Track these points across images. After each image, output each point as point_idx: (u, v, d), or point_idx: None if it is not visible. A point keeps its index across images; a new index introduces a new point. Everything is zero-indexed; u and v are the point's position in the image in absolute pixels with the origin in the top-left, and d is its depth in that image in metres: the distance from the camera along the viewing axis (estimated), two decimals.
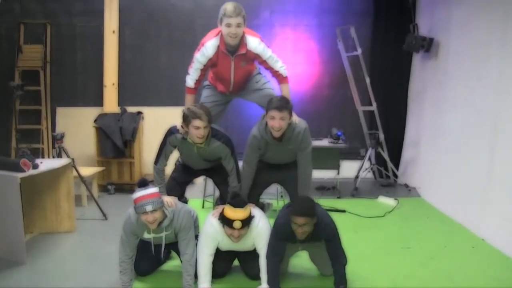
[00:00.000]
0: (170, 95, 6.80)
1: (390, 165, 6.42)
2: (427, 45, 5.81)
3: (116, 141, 5.89)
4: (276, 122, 3.19)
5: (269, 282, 3.07)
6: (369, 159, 6.39)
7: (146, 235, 3.14)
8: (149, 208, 2.88)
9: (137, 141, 6.04)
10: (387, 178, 6.57)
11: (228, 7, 3.41)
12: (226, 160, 3.46)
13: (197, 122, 3.19)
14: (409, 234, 4.43)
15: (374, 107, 6.34)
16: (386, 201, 5.55)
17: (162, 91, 6.90)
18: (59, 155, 4.76)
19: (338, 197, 5.75)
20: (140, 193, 2.93)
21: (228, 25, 3.42)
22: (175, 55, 6.83)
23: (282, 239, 3.07)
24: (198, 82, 3.75)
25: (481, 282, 3.40)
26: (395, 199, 5.54)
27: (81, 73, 6.86)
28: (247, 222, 3.02)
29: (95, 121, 6.04)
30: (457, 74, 5.17)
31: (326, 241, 3.07)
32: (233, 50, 3.58)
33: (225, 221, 3.00)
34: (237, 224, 2.96)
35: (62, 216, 4.37)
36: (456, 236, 4.40)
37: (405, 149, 6.74)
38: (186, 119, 3.23)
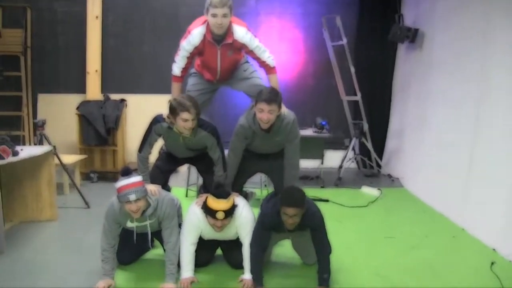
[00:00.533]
0: (154, 82, 6.75)
1: (373, 155, 6.46)
2: (412, 36, 5.83)
3: (99, 129, 5.81)
4: (265, 115, 3.16)
5: (252, 271, 3.06)
6: (353, 149, 6.42)
7: (129, 224, 3.11)
8: (132, 197, 2.85)
9: (120, 129, 5.98)
10: (371, 168, 6.61)
11: None
12: (212, 150, 3.42)
13: (185, 115, 3.12)
14: (392, 224, 4.48)
15: (358, 97, 6.36)
16: (370, 191, 5.58)
17: (146, 79, 6.83)
18: (40, 143, 4.68)
19: (322, 187, 5.77)
20: (123, 182, 2.88)
21: (214, 15, 3.36)
22: (159, 43, 6.74)
23: (268, 229, 3.06)
24: (185, 70, 3.69)
25: (462, 271, 3.45)
26: (378, 189, 5.57)
27: (63, 59, 6.73)
28: (230, 212, 3.00)
29: (77, 108, 5.95)
30: (441, 66, 5.21)
31: (312, 230, 3.07)
32: (219, 39, 3.53)
33: (208, 211, 2.99)
34: (220, 215, 2.95)
35: (43, 205, 4.30)
36: (438, 225, 4.45)
37: (389, 140, 6.78)
38: (174, 111, 3.15)
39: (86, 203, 4.79)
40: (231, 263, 3.38)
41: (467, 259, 3.68)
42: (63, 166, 4.83)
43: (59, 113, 6.45)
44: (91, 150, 5.98)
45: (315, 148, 5.78)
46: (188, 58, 3.62)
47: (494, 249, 3.81)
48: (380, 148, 6.80)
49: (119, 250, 3.23)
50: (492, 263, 3.52)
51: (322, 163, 5.90)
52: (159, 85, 6.68)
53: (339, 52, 6.41)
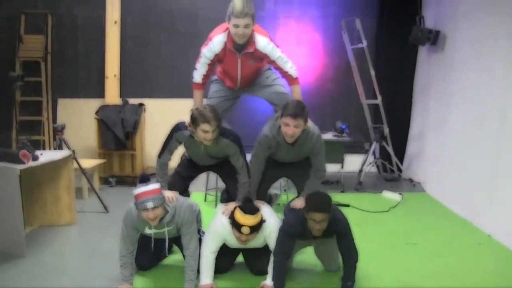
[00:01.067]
0: (173, 86, 6.78)
1: (394, 159, 6.35)
2: (433, 38, 5.72)
3: (117, 133, 5.83)
4: (290, 129, 3.09)
5: (274, 279, 3.02)
6: (373, 153, 6.32)
7: (148, 231, 3.09)
8: (150, 205, 2.83)
9: (139, 133, 5.98)
10: (391, 172, 6.50)
11: (237, 5, 3.26)
12: (234, 158, 3.36)
13: (205, 126, 3.09)
14: (414, 230, 4.37)
15: (379, 100, 6.26)
16: (391, 196, 5.48)
17: (165, 83, 6.85)
18: (59, 147, 4.70)
19: (342, 191, 5.69)
20: (141, 189, 2.86)
21: (236, 26, 3.30)
22: (177, 46, 6.76)
23: (293, 237, 3.01)
24: (206, 77, 3.65)
25: (488, 279, 3.33)
26: (400, 193, 5.47)
27: (82, 64, 6.80)
28: (256, 228, 2.97)
29: (96, 112, 5.98)
30: (463, 67, 5.09)
31: (339, 237, 3.01)
32: (240, 47, 3.49)
33: (235, 224, 2.95)
34: (245, 230, 2.92)
35: (62, 209, 4.31)
36: (462, 232, 4.33)
37: (410, 143, 6.67)
38: (195, 121, 3.12)
39: (105, 207, 4.79)
40: (253, 269, 3.33)
41: (493, 266, 3.56)
42: (82, 170, 4.85)
43: (79, 117, 6.51)
44: (109, 154, 5.99)
45: (335, 152, 5.69)
46: (209, 65, 3.58)
47: None
48: (401, 152, 6.68)
49: (137, 256, 3.22)
50: None
51: (342, 167, 5.82)
52: (177, 90, 6.74)
53: (359, 55, 6.33)
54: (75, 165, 4.55)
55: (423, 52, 6.30)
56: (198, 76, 3.63)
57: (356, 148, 6.47)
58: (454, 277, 3.36)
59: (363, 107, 6.49)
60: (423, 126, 6.28)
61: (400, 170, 6.45)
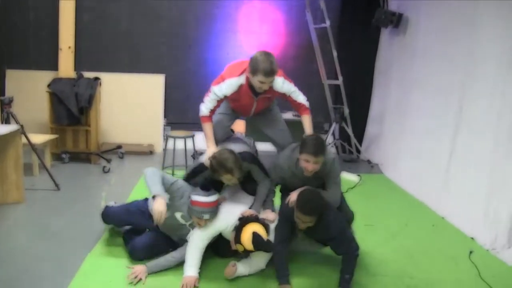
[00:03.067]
0: (131, 61, 6.57)
1: (353, 140, 6.39)
2: (396, 21, 5.72)
3: (71, 108, 5.57)
4: (310, 165, 3.02)
5: (279, 270, 2.99)
6: (333, 134, 6.33)
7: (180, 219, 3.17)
8: (206, 217, 3.00)
9: (94, 108, 5.73)
10: (350, 153, 6.55)
11: (265, 66, 3.11)
12: (255, 173, 3.36)
13: (228, 176, 3.09)
14: (371, 211, 4.41)
15: (340, 81, 6.25)
16: (349, 177, 5.50)
17: (122, 57, 6.60)
18: (7, 121, 4.43)
19: None
20: (201, 198, 2.99)
21: (262, 82, 3.19)
22: (137, 20, 6.50)
23: (288, 220, 3.01)
24: (213, 111, 3.50)
25: (441, 260, 3.43)
26: (358, 175, 5.51)
27: (33, 34, 6.42)
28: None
29: (48, 85, 5.68)
30: (425, 52, 5.12)
31: (328, 240, 3.05)
32: (258, 92, 3.39)
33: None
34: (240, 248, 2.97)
35: (9, 186, 4.10)
36: (418, 214, 4.42)
37: (369, 125, 6.71)
38: (216, 171, 3.10)
39: (56, 185, 4.59)
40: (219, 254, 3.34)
41: (447, 248, 3.65)
42: (31, 146, 4.60)
43: (29, 90, 6.18)
44: (62, 130, 5.74)
45: (294, 132, 5.64)
46: (218, 101, 3.44)
47: (472, 238, 3.81)
48: (360, 133, 6.72)
49: (136, 246, 3.20)
50: (471, 252, 3.54)
51: None
52: (135, 64, 6.54)
53: (322, 35, 6.27)
54: (24, 140, 4.32)
55: (385, 35, 6.30)
56: (206, 110, 3.45)
57: (316, 128, 6.37)
58: (409, 258, 3.43)
59: (324, 87, 6.46)
60: (383, 108, 6.32)
61: (359, 151, 6.49)
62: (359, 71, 6.62)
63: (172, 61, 6.67)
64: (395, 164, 5.65)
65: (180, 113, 6.71)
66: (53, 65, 6.30)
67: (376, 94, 6.60)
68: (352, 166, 6.11)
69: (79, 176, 5.16)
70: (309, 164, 3.02)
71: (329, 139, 6.25)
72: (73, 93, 5.60)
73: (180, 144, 5.68)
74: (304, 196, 2.87)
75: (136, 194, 4.37)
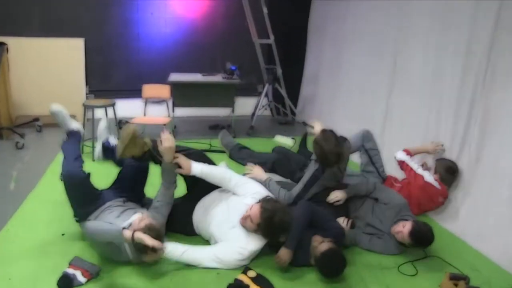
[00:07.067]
0: (43, 24, 6.05)
1: (288, 102, 6.21)
2: None
3: None
4: None
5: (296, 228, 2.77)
6: (266, 95, 6.12)
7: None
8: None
9: (2, 77, 5.20)
10: (285, 115, 6.37)
11: None
12: None
13: None
14: None
15: (271, 40, 6.02)
16: (283, 140, 5.36)
17: (33, 20, 6.05)
18: None
19: (233, 137, 5.40)
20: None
21: None
22: None
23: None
24: None
25: None
26: (292, 138, 5.36)
27: None
28: None
29: None
30: (359, 7, 4.96)
31: None
32: None
33: None
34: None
35: None
36: None
37: (304, 85, 6.54)
38: None
39: None
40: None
41: None
42: None
43: None
44: None
45: (225, 96, 5.45)
46: None
47: None
48: (295, 94, 6.53)
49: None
50: None
51: (233, 111, 5.55)
52: (50, 27, 6.04)
53: None
54: None
55: None
56: None
57: (248, 90, 6.24)
58: None
59: (255, 47, 6.18)
60: (317, 67, 6.16)
61: (293, 113, 6.32)
62: (292, 29, 6.40)
63: (91, 23, 6.19)
64: (331, 125, 5.46)
65: (103, 80, 6.28)
66: None
67: (310, 52, 6.41)
68: (287, 129, 5.97)
69: None
70: None
71: (263, 101, 6.03)
72: None
73: (100, 114, 5.24)
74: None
75: (53, 171, 4.06)
